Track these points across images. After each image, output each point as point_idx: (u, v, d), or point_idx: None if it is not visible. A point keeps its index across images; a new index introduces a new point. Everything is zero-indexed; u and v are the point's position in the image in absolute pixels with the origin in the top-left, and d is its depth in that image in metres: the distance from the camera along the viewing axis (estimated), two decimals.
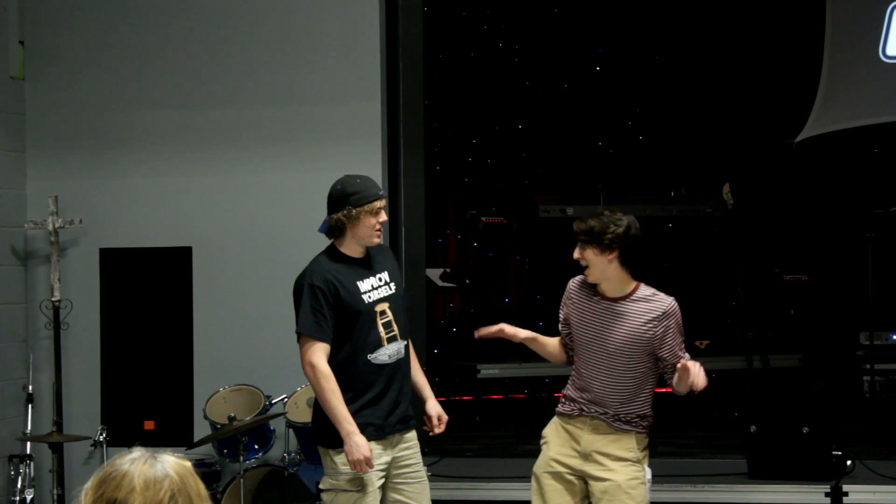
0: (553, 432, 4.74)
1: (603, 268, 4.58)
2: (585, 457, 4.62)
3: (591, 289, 4.68)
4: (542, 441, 4.77)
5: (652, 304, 4.59)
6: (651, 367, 4.63)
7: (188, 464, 2.15)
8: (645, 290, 4.63)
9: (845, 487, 6.20)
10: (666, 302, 4.60)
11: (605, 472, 4.58)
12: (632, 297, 4.61)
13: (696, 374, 4.38)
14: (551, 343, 4.87)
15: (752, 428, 6.46)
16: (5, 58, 7.17)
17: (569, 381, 4.78)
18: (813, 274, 10.12)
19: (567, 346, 4.83)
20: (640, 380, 4.62)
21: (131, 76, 7.27)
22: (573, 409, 4.68)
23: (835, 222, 9.76)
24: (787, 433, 6.40)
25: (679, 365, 4.46)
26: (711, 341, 9.53)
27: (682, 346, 4.61)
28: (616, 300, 4.61)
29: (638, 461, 4.61)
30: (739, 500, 6.30)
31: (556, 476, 4.66)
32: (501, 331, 4.82)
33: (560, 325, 4.84)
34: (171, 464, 2.10)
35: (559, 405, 4.77)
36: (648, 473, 4.63)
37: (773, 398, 6.88)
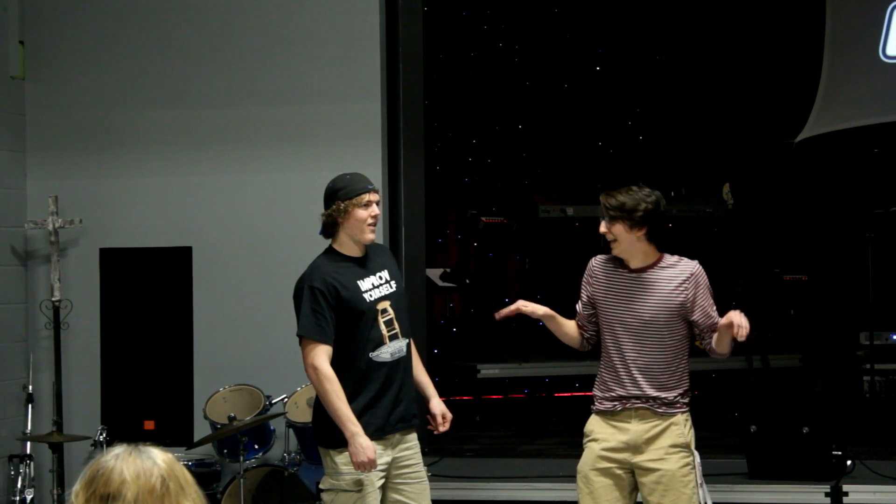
0: (597, 428, 4.65)
1: (631, 243, 4.58)
2: (636, 449, 4.57)
3: (616, 263, 4.67)
4: (586, 439, 4.68)
5: (678, 268, 4.61)
6: (685, 334, 4.62)
7: (170, 454, 2.18)
8: (669, 259, 4.65)
9: (845, 487, 6.20)
10: (692, 265, 4.64)
11: (657, 463, 4.54)
12: (658, 265, 4.62)
13: (739, 323, 4.40)
14: (568, 324, 4.80)
15: (752, 428, 6.47)
16: (5, 58, 7.17)
17: (599, 378, 4.69)
18: (813, 274, 10.12)
19: (583, 329, 4.77)
20: (676, 349, 4.60)
21: (131, 76, 7.27)
22: (614, 406, 4.61)
23: (835, 222, 9.76)
24: (787, 433, 6.40)
25: (721, 324, 4.48)
26: None
27: (714, 306, 4.60)
28: (643, 270, 4.61)
29: (687, 445, 4.57)
30: (739, 500, 6.30)
31: (606, 472, 4.59)
32: (518, 309, 4.75)
33: (580, 306, 4.76)
34: (155, 453, 2.16)
35: (597, 403, 4.67)
36: (697, 457, 4.59)
37: (773, 398, 6.89)
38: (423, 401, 4.90)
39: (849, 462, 6.40)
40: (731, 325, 4.42)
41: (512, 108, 11.16)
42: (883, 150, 9.14)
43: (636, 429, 4.57)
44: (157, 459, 2.14)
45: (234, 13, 7.23)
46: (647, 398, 4.56)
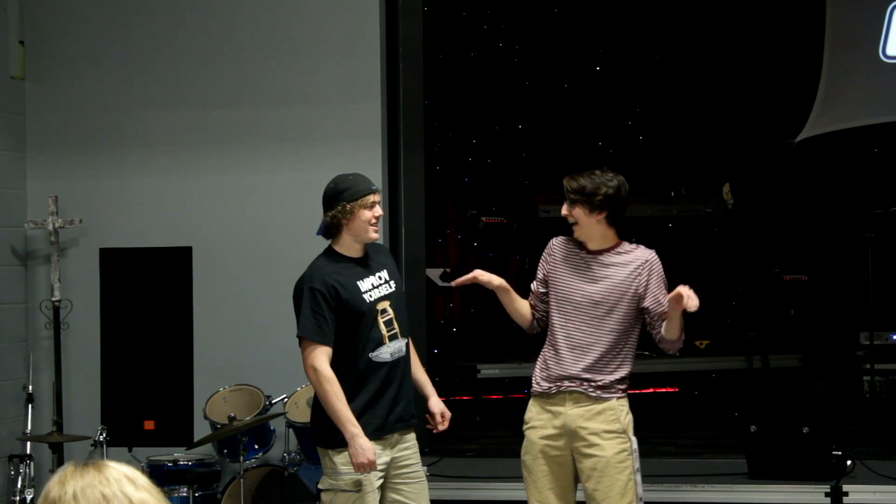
0: (535, 415, 4.72)
1: (590, 226, 4.64)
2: (571, 434, 4.61)
3: (576, 244, 4.72)
4: (525, 426, 4.76)
5: (634, 254, 4.65)
6: (633, 323, 4.63)
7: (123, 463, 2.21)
8: (628, 245, 4.69)
9: (845, 487, 6.20)
10: (647, 252, 4.67)
11: (593, 449, 4.57)
12: (615, 250, 4.66)
13: (688, 294, 4.37)
14: (521, 301, 4.85)
15: (752, 428, 6.47)
16: (5, 58, 7.17)
17: (541, 358, 4.74)
18: (813, 274, 10.12)
19: (534, 308, 4.81)
20: (620, 335, 4.60)
21: (131, 76, 7.27)
22: (550, 388, 4.66)
23: (835, 222, 9.76)
24: (787, 433, 6.40)
25: (669, 297, 4.44)
26: (711, 341, 9.54)
27: (666, 296, 4.56)
28: (599, 252, 4.66)
29: (623, 431, 4.59)
30: (739, 500, 6.31)
31: (546, 459, 4.66)
32: (475, 278, 4.79)
33: (535, 285, 4.81)
34: (100, 462, 2.17)
35: (534, 385, 4.73)
36: (635, 443, 4.61)
37: (773, 398, 6.89)
38: (422, 399, 4.91)
39: (849, 462, 6.40)
40: (679, 296, 4.38)
41: (512, 108, 11.15)
42: (883, 150, 9.14)
43: (570, 412, 4.60)
44: (100, 463, 2.17)
45: (234, 13, 7.24)
46: (582, 380, 4.59)
